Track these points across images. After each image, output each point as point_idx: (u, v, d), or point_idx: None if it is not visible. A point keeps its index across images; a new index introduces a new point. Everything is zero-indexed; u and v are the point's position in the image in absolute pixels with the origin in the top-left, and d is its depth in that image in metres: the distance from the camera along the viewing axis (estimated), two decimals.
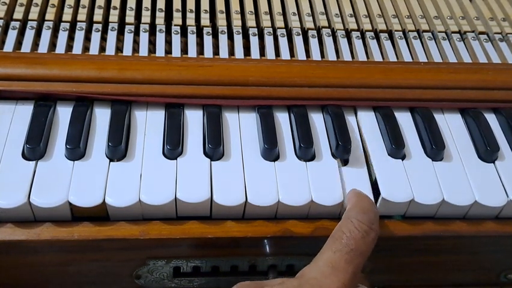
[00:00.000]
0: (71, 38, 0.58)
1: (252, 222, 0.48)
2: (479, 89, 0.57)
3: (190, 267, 0.52)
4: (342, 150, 0.50)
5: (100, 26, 0.59)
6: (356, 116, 0.55)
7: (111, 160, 0.48)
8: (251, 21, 0.62)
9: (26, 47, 0.56)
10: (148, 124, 0.52)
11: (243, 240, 0.48)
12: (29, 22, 0.58)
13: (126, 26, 0.60)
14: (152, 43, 0.59)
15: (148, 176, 0.47)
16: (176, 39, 0.59)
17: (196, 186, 0.47)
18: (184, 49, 0.59)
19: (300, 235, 0.48)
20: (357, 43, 0.62)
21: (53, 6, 0.60)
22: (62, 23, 0.59)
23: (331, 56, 0.60)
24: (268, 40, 0.60)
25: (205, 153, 0.50)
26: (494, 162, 0.52)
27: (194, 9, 0.63)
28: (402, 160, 0.51)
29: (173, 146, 0.49)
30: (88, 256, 0.49)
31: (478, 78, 0.57)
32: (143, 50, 0.57)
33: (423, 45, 0.63)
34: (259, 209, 0.47)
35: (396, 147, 0.51)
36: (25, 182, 0.45)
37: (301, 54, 0.59)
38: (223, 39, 0.60)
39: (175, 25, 0.61)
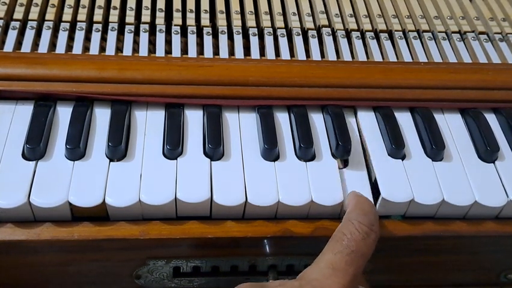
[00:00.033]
0: (71, 38, 0.58)
1: (252, 222, 0.48)
2: (479, 89, 0.57)
3: (190, 267, 0.52)
4: (342, 150, 0.50)
5: (100, 26, 0.59)
6: (356, 116, 0.55)
7: (111, 160, 0.48)
8: (251, 21, 0.62)
9: (26, 47, 0.56)
10: (148, 124, 0.52)
11: (243, 240, 0.48)
12: (29, 22, 0.58)
13: (126, 26, 0.60)
14: (152, 43, 0.59)
15: (148, 176, 0.47)
16: (176, 39, 0.59)
17: (196, 186, 0.47)
18: (184, 49, 0.59)
19: (300, 235, 0.48)
20: (357, 43, 0.62)
21: (53, 6, 0.60)
22: (62, 23, 0.59)
23: (331, 56, 0.60)
24: (268, 40, 0.60)
25: (205, 153, 0.50)
26: (494, 162, 0.52)
27: (194, 9, 0.63)
28: (402, 160, 0.51)
29: (173, 146, 0.49)
30: (88, 256, 0.49)
31: (478, 78, 0.57)
32: (143, 50, 0.57)
33: (423, 45, 0.63)
34: (259, 209, 0.47)
35: (396, 147, 0.51)
36: (25, 182, 0.45)
37: (301, 54, 0.59)
38: (223, 39, 0.60)
39: (175, 25, 0.61)
